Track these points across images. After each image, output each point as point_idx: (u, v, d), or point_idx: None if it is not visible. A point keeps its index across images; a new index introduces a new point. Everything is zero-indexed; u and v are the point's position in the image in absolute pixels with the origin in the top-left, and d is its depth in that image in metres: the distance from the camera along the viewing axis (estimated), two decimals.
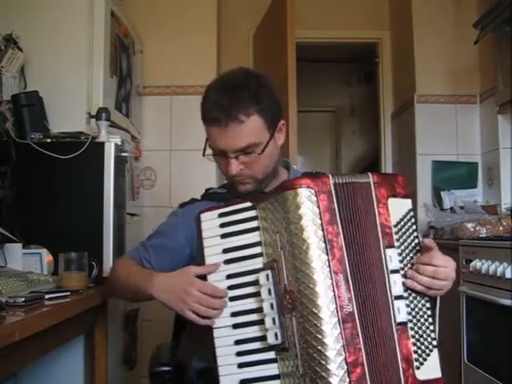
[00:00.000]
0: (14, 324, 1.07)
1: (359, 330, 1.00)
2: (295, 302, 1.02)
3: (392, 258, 1.06)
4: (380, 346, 1.02)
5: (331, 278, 1.01)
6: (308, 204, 1.03)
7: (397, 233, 1.08)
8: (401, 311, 1.04)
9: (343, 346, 0.98)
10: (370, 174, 1.10)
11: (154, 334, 2.60)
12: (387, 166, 3.67)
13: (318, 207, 1.04)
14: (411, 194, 1.13)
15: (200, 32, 3.02)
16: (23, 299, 1.23)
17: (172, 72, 3.01)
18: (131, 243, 1.91)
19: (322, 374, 0.97)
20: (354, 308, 1.01)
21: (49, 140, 1.82)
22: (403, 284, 1.07)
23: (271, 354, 1.05)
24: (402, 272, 1.07)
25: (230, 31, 3.45)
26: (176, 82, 3.01)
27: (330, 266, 1.01)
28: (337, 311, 0.99)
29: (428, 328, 1.06)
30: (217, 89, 1.28)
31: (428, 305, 1.08)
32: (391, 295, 1.05)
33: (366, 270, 1.05)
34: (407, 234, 1.10)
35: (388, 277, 1.05)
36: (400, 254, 1.08)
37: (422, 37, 3.20)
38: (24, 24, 2.06)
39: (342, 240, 1.04)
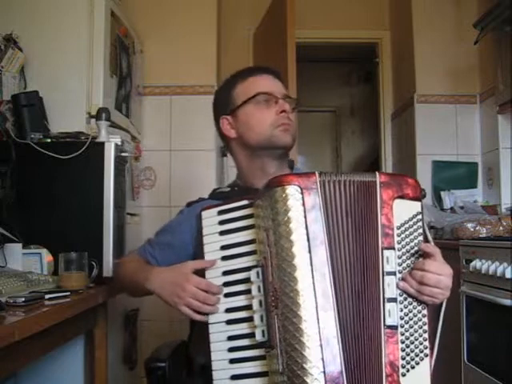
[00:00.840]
0: (13, 324, 1.07)
1: (338, 329, 0.99)
2: (277, 299, 1.02)
3: (389, 260, 1.04)
4: (361, 347, 1.00)
5: (312, 277, 1.00)
6: (292, 201, 1.03)
7: (399, 235, 1.06)
8: (391, 314, 1.02)
9: (320, 345, 0.97)
10: (377, 173, 1.08)
11: (154, 334, 2.60)
12: (387, 166, 3.67)
13: (303, 205, 1.03)
14: (421, 197, 1.09)
15: (200, 32, 3.02)
16: (23, 299, 1.23)
17: (172, 72, 3.01)
18: (131, 243, 1.91)
19: (298, 372, 0.97)
20: (334, 307, 1.00)
21: (49, 140, 1.82)
22: (397, 286, 1.04)
23: (261, 351, 1.06)
24: (399, 275, 1.05)
25: (230, 31, 3.44)
26: (176, 82, 3.01)
27: (311, 264, 1.01)
28: (316, 310, 0.99)
29: (421, 336, 1.03)
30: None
31: (424, 312, 1.06)
32: (384, 297, 1.03)
33: (354, 270, 1.03)
34: (411, 237, 1.07)
35: (382, 278, 1.04)
36: (400, 257, 1.06)
37: (422, 37, 3.20)
38: (24, 24, 2.06)
39: (326, 238, 1.03)
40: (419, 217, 1.07)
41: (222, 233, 1.14)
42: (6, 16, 2.07)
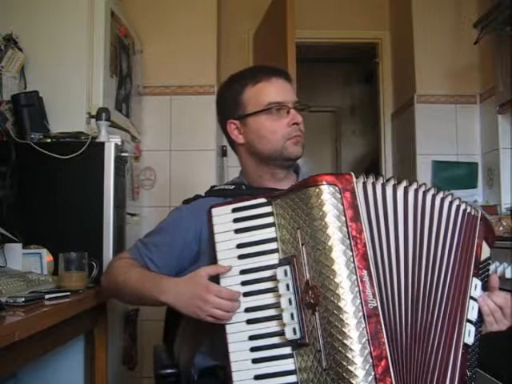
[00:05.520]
0: (13, 324, 1.07)
1: (382, 324, 1.00)
2: (319, 296, 1.01)
3: (477, 288, 1.11)
4: (409, 341, 1.03)
5: (355, 274, 1.01)
6: (332, 201, 1.04)
7: (480, 269, 1.13)
8: (470, 335, 1.08)
9: (368, 340, 0.98)
10: (480, 210, 1.18)
11: (154, 334, 2.59)
12: (387, 166, 3.67)
13: (342, 204, 1.04)
14: (492, 247, 1.20)
15: (200, 32, 3.02)
16: (23, 299, 1.23)
17: (172, 72, 3.01)
18: (131, 243, 1.90)
19: (348, 367, 0.97)
20: (378, 303, 1.01)
21: (49, 140, 1.82)
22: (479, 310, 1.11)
23: (287, 350, 1.05)
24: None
25: (230, 31, 3.45)
26: (176, 82, 3.01)
27: (354, 261, 1.02)
28: (361, 306, 1.00)
29: (475, 362, 1.10)
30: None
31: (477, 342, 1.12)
32: (466, 316, 1.08)
33: (414, 273, 1.06)
34: (483, 276, 1.15)
35: (468, 300, 1.09)
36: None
37: (421, 37, 3.20)
38: (24, 24, 2.06)
39: (369, 237, 1.04)
40: (489, 262, 1.19)
41: (237, 231, 1.11)
42: (5, 16, 2.07)
